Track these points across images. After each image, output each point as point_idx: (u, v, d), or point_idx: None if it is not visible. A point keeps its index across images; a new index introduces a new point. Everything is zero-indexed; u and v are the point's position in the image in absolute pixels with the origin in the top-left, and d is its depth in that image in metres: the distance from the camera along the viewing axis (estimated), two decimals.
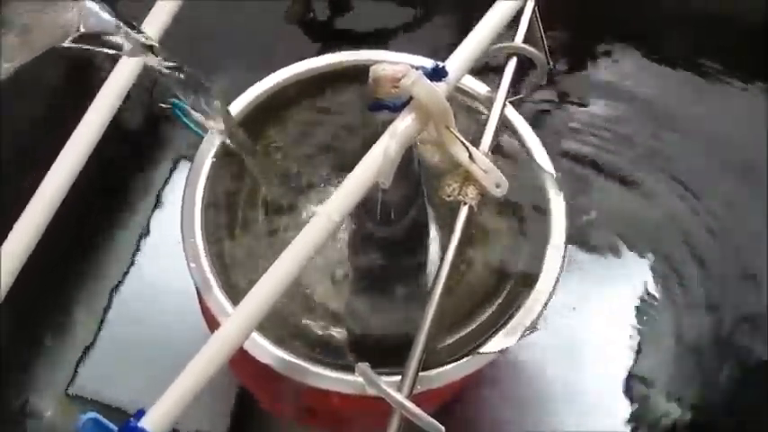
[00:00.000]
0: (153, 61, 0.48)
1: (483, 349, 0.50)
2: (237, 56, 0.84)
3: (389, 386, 0.44)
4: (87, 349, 0.79)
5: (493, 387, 0.77)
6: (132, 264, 0.84)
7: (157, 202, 0.88)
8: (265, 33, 0.90)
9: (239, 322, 0.40)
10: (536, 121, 0.90)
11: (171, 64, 0.47)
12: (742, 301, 0.82)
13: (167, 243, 0.85)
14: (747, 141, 0.90)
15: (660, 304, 0.83)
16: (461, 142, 0.48)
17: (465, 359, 0.50)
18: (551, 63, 0.66)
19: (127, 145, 0.89)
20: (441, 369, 0.49)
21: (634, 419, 0.77)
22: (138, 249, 0.84)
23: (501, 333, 0.50)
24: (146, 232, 0.86)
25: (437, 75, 0.46)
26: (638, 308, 0.82)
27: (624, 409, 0.77)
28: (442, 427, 0.45)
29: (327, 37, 0.90)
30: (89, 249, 0.84)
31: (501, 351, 0.50)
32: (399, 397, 0.43)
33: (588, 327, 0.81)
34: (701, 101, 0.94)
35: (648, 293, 0.83)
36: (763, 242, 0.85)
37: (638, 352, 0.80)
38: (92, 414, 0.40)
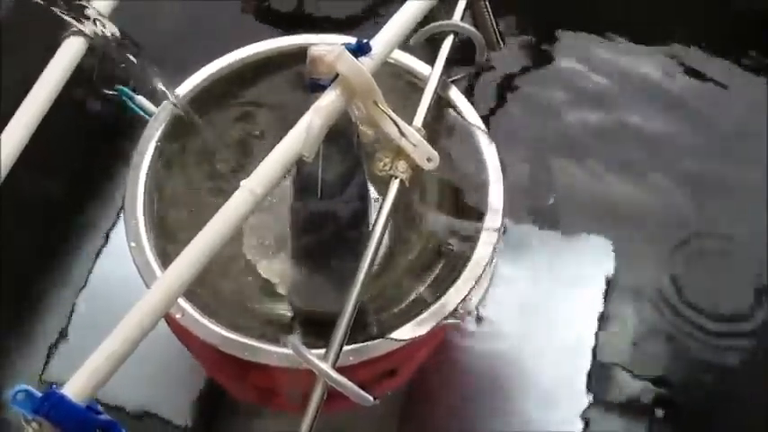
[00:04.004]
0: (111, 28, 0.50)
1: (400, 334, 0.51)
2: (198, 49, 0.85)
3: (317, 357, 0.45)
4: (61, 336, 0.80)
5: (455, 365, 0.78)
6: (106, 245, 0.84)
7: None
8: (224, 25, 0.91)
9: (160, 292, 0.41)
10: (495, 107, 0.91)
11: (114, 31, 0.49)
12: (705, 278, 0.83)
13: None
14: (704, 123, 0.91)
15: (623, 284, 0.83)
16: (390, 117, 0.49)
17: (392, 334, 0.50)
18: (501, 43, 0.67)
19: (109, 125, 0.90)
20: (364, 344, 0.50)
21: (599, 398, 0.78)
22: (112, 229, 0.85)
23: (420, 317, 0.51)
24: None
25: (361, 50, 0.47)
26: (601, 288, 0.83)
27: (589, 387, 0.78)
28: (370, 397, 0.46)
29: (286, 25, 0.91)
30: (65, 230, 0.85)
31: (416, 337, 0.51)
32: (325, 366, 0.44)
33: (553, 307, 0.82)
34: (667, 82, 0.94)
35: (612, 274, 0.84)
36: (724, 218, 0.86)
37: (603, 331, 0.81)
38: (22, 386, 0.41)
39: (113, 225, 0.86)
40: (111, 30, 0.50)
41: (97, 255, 0.84)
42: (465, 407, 0.77)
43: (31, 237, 0.83)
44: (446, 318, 0.50)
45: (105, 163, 0.89)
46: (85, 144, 0.91)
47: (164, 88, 0.55)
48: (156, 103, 0.58)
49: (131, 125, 0.61)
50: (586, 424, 0.76)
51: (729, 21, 0.97)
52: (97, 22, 0.50)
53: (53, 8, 0.49)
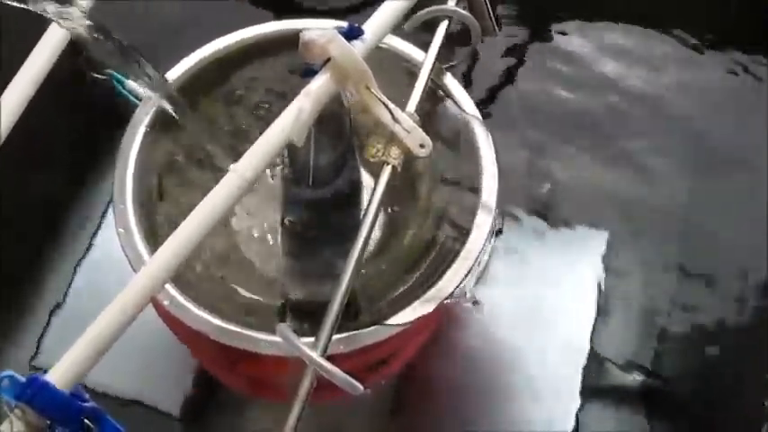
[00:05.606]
0: (81, 28, 0.49)
1: (393, 320, 0.50)
2: (191, 34, 0.84)
3: (306, 345, 0.44)
4: (50, 320, 0.79)
5: (448, 360, 0.77)
6: (96, 237, 0.83)
7: None
8: (219, 10, 0.90)
9: (146, 277, 0.40)
10: (491, 94, 0.90)
11: (92, 24, 0.48)
12: (701, 270, 0.83)
13: None
14: (702, 113, 0.91)
15: (618, 274, 0.82)
16: (382, 103, 0.48)
17: (389, 320, 0.50)
18: (497, 28, 0.66)
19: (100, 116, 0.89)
20: (356, 332, 0.49)
21: (594, 393, 0.77)
22: (101, 223, 0.84)
23: (413, 304, 0.50)
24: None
25: (353, 34, 0.46)
26: (597, 280, 0.82)
27: (584, 382, 0.77)
28: (359, 385, 0.45)
29: (282, 10, 0.90)
30: (54, 220, 0.84)
31: (412, 321, 0.50)
32: (314, 354, 0.44)
33: (548, 300, 0.81)
34: (667, 73, 0.94)
35: (608, 264, 0.83)
36: (722, 209, 0.85)
37: (597, 321, 0.80)
38: (7, 372, 0.41)
39: (103, 216, 0.85)
40: (85, 23, 0.49)
41: (87, 248, 0.83)
42: (457, 402, 0.77)
43: (21, 229, 0.83)
44: (443, 301, 0.50)
45: (96, 156, 0.88)
46: (78, 137, 0.90)
47: (153, 73, 0.54)
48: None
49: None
50: (582, 419, 0.76)
51: (729, 18, 0.96)
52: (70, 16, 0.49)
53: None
